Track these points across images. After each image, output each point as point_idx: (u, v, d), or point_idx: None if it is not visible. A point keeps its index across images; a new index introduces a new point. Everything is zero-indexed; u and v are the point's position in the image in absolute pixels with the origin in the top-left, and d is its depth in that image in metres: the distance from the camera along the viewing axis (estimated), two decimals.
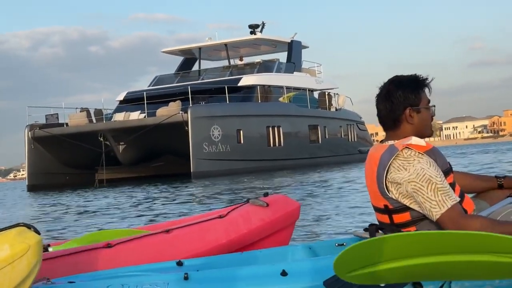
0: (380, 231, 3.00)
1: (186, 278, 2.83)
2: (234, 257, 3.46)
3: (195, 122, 28.10)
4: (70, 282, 2.92)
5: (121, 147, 30.13)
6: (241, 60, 35.88)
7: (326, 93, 37.36)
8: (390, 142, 2.96)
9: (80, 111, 31.75)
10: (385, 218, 3.00)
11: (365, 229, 3.13)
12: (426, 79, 3.03)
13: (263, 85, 32.94)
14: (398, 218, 2.94)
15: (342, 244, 3.46)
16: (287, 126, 32.62)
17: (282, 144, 32.28)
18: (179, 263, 3.30)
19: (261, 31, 36.57)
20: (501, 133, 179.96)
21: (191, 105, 28.72)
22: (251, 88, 32.29)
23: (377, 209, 3.06)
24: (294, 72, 35.94)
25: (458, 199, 2.88)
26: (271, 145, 32.00)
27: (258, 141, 31.28)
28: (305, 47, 38.75)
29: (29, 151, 30.29)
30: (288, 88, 34.21)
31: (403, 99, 2.95)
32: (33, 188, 29.98)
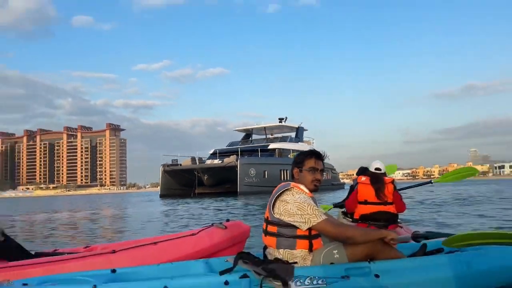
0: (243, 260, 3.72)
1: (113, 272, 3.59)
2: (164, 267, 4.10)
3: (241, 166, 44.40)
4: (24, 284, 3.24)
5: (205, 177, 47.52)
6: (271, 135, 57.58)
7: None
8: (288, 182, 3.90)
9: (190, 159, 49.71)
10: (264, 225, 3.86)
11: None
12: (313, 152, 3.99)
13: (280, 148, 51.55)
14: (271, 228, 3.77)
15: (227, 260, 4.05)
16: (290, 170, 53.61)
17: (288, 179, 53.84)
18: (113, 271, 3.85)
19: (285, 121, 57.07)
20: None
21: (239, 157, 45.62)
22: (274, 150, 50.89)
23: (265, 220, 3.89)
24: (299, 143, 55.24)
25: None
26: (283, 179, 46.40)
27: (275, 177, 46.63)
28: (305, 129, 59.23)
29: (162, 177, 49.37)
30: (294, 150, 51.47)
31: (294, 161, 3.94)
32: (162, 196, 47.64)
